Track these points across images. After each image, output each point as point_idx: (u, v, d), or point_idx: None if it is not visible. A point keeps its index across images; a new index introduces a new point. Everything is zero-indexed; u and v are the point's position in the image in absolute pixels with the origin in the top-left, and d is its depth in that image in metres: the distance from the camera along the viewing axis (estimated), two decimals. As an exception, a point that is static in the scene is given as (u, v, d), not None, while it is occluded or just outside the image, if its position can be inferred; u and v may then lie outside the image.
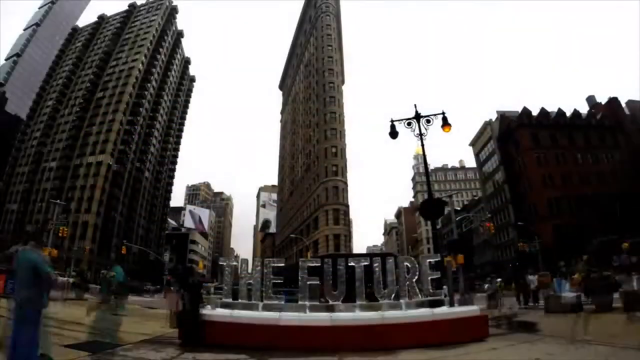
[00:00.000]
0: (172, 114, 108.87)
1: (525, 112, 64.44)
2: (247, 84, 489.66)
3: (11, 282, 12.29)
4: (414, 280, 9.89)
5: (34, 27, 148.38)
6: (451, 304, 10.50)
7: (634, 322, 9.23)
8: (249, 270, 10.42)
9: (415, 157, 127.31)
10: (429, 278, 9.98)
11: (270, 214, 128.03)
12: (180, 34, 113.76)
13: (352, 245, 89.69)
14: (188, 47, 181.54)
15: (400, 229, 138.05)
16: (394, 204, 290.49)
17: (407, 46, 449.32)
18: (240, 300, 9.92)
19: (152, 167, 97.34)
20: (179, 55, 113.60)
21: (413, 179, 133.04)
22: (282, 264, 10.89)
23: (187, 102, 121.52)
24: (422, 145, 14.32)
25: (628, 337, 7.62)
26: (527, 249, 46.82)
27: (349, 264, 10.26)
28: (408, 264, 10.09)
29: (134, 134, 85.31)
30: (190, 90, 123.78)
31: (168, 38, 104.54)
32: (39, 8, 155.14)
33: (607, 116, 63.55)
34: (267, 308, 9.60)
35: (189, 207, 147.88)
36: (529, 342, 8.39)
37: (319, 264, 10.34)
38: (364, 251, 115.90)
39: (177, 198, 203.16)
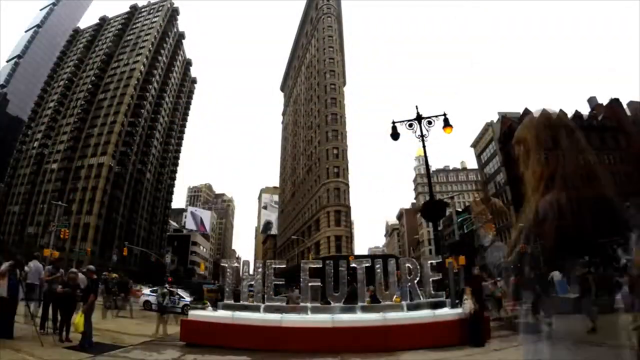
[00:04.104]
0: (173, 115, 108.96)
1: (527, 113, 64.31)
2: (248, 85, 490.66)
3: None
4: (416, 281, 9.89)
5: (36, 29, 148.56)
6: (453, 306, 10.49)
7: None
8: (251, 272, 10.42)
9: (417, 159, 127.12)
10: (431, 280, 9.97)
11: (272, 216, 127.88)
12: (181, 36, 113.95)
13: (354, 246, 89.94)
14: (189, 48, 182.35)
15: (402, 230, 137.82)
16: (395, 205, 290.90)
17: (408, 47, 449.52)
18: (242, 302, 9.92)
19: (154, 169, 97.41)
20: (180, 57, 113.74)
21: (414, 180, 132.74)
22: (284, 266, 10.90)
23: (188, 103, 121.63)
24: (424, 146, 14.32)
25: (630, 338, 7.60)
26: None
27: (351, 266, 10.26)
28: (410, 266, 10.09)
29: (135, 136, 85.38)
30: (191, 91, 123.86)
31: (169, 40, 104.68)
32: (41, 10, 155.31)
33: (608, 117, 63.41)
34: (268, 310, 9.59)
35: (190, 208, 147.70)
36: (531, 344, 8.37)
37: (321, 266, 10.34)
38: (365, 252, 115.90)
39: (179, 199, 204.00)
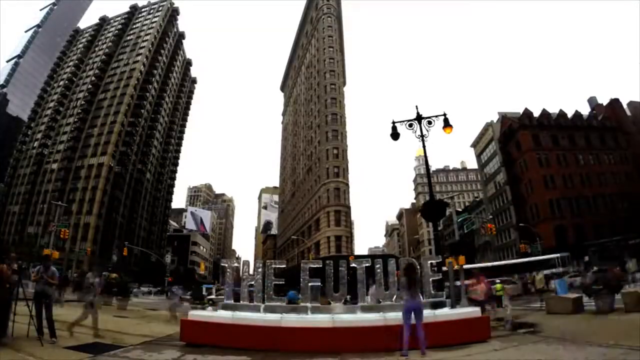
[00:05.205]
0: (173, 115, 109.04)
1: (527, 113, 64.36)
2: (248, 85, 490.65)
3: None
4: (416, 281, 9.87)
5: (36, 29, 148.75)
6: (452, 306, 10.48)
7: (635, 323, 9.22)
8: (251, 272, 10.41)
9: (417, 159, 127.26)
10: (431, 280, 9.96)
11: (272, 216, 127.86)
12: (181, 36, 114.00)
13: (354, 246, 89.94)
14: (189, 48, 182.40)
15: (402, 230, 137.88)
16: (395, 205, 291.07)
17: (408, 47, 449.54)
18: (241, 302, 9.92)
19: (154, 169, 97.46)
20: (180, 57, 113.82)
21: (414, 180, 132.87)
22: (284, 266, 10.90)
23: (188, 103, 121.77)
24: (424, 146, 14.31)
25: (630, 338, 7.62)
26: (529, 250, 46.75)
27: (351, 266, 10.25)
28: (410, 266, 10.07)
29: (135, 136, 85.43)
30: (191, 91, 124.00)
31: (169, 40, 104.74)
32: (41, 9, 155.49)
33: (608, 117, 63.47)
34: (268, 310, 9.59)
35: (190, 208, 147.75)
36: (532, 343, 8.38)
37: (321, 266, 10.33)
38: (365, 252, 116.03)
39: (179, 199, 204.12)
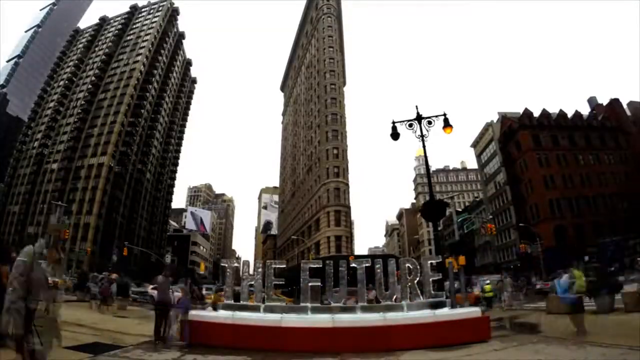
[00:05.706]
0: (173, 115, 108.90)
1: (527, 113, 64.35)
2: (248, 85, 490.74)
3: None
4: (416, 281, 9.88)
5: (36, 29, 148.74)
6: (453, 306, 10.48)
7: (635, 323, 9.21)
8: (251, 272, 10.41)
9: (417, 158, 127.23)
10: (431, 279, 9.96)
11: (272, 216, 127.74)
12: (181, 36, 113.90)
13: (354, 246, 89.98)
14: (189, 48, 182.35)
15: (402, 230, 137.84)
16: (395, 205, 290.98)
17: (408, 47, 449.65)
18: (242, 302, 9.92)
19: (154, 169, 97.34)
20: (180, 57, 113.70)
21: (414, 180, 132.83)
22: (284, 266, 10.90)
23: (188, 103, 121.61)
24: (424, 146, 14.31)
25: (630, 338, 7.62)
26: (529, 250, 46.77)
27: (351, 266, 10.25)
28: (410, 266, 10.08)
29: (135, 136, 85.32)
30: (191, 91, 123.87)
31: (169, 40, 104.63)
32: (41, 9, 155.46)
33: (608, 117, 63.45)
34: (268, 310, 9.58)
35: (190, 208, 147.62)
36: (532, 343, 8.38)
37: (321, 266, 10.33)
38: (365, 252, 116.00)
39: (179, 199, 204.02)
